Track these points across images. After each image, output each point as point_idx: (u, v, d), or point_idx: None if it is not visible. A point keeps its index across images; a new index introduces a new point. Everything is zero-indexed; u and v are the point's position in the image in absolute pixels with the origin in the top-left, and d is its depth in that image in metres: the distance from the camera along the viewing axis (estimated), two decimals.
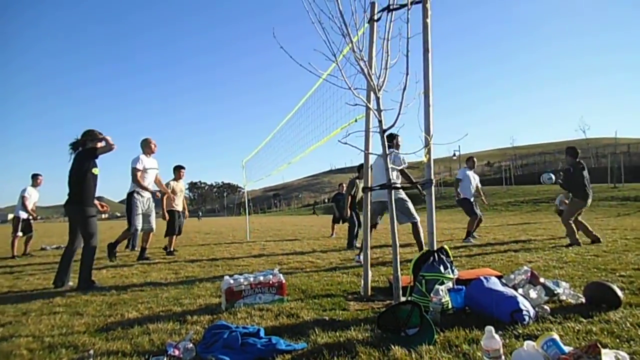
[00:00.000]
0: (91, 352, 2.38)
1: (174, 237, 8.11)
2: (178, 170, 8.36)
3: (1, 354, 2.48)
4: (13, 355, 2.46)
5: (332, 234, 11.13)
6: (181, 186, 8.38)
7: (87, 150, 4.87)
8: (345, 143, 3.14)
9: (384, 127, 3.10)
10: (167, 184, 8.05)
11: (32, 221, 9.14)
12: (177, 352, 2.30)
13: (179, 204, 8.23)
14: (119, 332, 2.81)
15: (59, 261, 4.78)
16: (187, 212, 8.75)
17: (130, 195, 6.73)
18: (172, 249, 7.97)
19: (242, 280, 3.50)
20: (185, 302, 3.65)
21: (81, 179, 4.79)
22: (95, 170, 4.90)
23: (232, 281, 3.48)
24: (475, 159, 9.12)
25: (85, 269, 4.62)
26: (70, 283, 4.72)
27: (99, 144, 4.91)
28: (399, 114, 2.96)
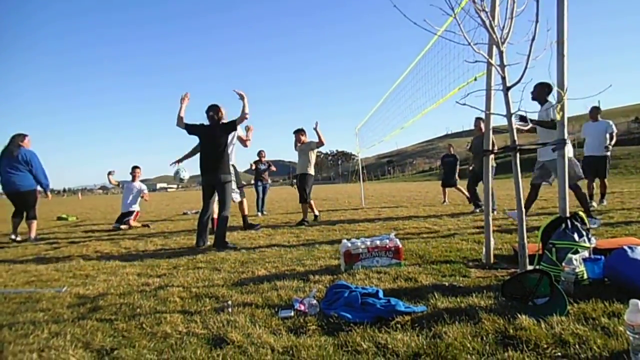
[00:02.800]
0: (229, 302, 2.69)
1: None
2: (296, 134, 7.94)
3: (159, 300, 2.94)
4: (168, 301, 2.89)
5: (444, 201, 10.51)
6: (304, 147, 7.75)
7: (228, 124, 5.36)
8: (464, 104, 2.97)
9: (508, 85, 2.85)
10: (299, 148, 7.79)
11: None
12: (302, 307, 2.49)
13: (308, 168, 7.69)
14: (251, 287, 3.13)
15: (197, 225, 5.41)
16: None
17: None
18: (316, 213, 7.96)
19: (359, 243, 3.60)
20: (307, 263, 3.89)
21: (220, 149, 5.31)
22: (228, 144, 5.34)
23: (350, 244, 3.61)
24: (599, 109, 7.69)
25: (221, 230, 5.17)
26: (209, 242, 5.33)
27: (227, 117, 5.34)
28: (525, 67, 2.68)
